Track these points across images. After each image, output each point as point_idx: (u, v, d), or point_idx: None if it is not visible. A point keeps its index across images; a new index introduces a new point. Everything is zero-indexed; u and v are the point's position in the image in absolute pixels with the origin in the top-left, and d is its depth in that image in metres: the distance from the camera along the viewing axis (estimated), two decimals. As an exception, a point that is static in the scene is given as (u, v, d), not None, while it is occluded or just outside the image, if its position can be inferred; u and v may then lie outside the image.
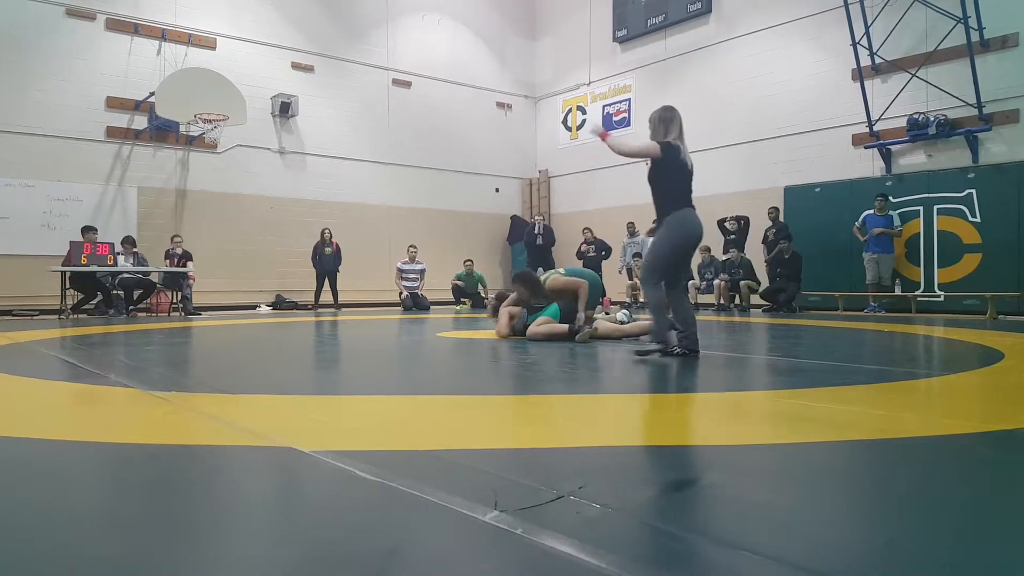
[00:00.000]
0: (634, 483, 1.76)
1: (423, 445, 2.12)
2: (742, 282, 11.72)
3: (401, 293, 12.98)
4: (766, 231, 11.74)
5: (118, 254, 10.41)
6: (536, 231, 13.88)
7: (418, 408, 2.88)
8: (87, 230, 10.40)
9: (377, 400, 3.10)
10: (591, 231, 13.80)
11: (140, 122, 12.22)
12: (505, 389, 3.53)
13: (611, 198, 15.42)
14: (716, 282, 12.05)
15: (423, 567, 1.22)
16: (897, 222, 10.70)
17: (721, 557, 1.24)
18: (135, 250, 10.81)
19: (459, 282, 13.42)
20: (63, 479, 1.84)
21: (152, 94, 11.81)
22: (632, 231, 13.63)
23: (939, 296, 10.38)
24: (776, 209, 11.69)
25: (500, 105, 17.12)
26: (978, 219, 10.08)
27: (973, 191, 10.14)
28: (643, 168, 16.20)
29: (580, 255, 13.73)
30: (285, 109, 13.54)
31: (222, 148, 12.96)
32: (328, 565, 1.23)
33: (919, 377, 3.69)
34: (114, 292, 10.63)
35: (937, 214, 10.48)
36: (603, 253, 13.63)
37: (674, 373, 4.13)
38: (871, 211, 10.82)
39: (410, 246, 13.33)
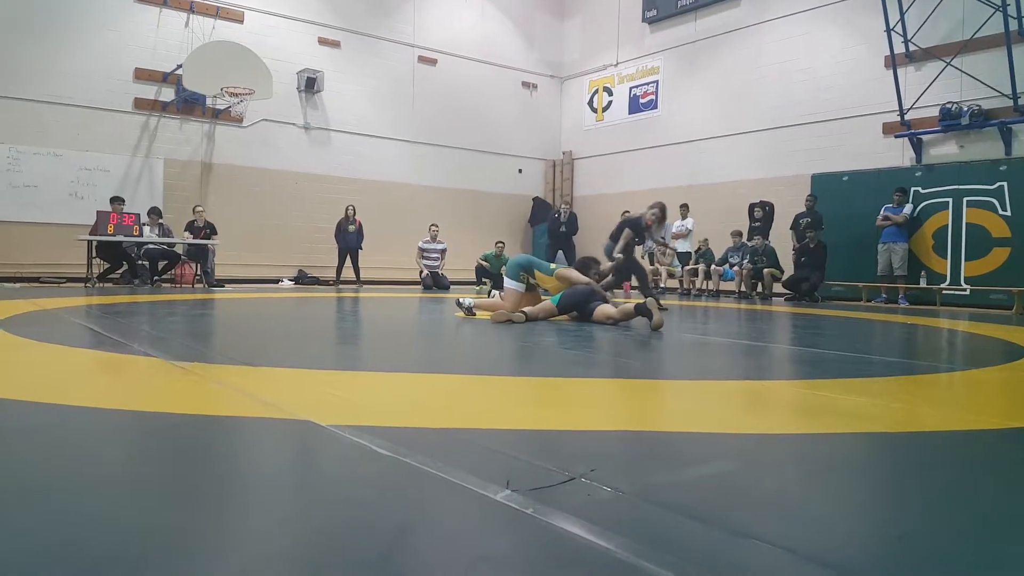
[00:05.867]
0: (646, 468, 1.77)
1: (438, 423, 2.14)
2: (765, 270, 11.62)
3: (422, 272, 13.00)
4: (797, 217, 11.56)
5: (144, 225, 10.54)
6: (561, 218, 13.78)
7: (434, 386, 2.90)
8: (115, 200, 10.54)
9: (394, 377, 3.13)
10: (630, 214, 13.57)
11: (167, 94, 12.31)
12: (520, 370, 3.55)
13: (636, 181, 15.31)
14: (736, 268, 11.95)
15: (434, 543, 1.24)
16: (905, 211, 10.57)
17: (730, 544, 1.25)
18: (160, 221, 10.94)
19: (484, 263, 13.32)
20: (87, 445, 1.89)
21: (179, 66, 11.88)
22: None
23: (965, 290, 10.23)
24: (814, 197, 11.50)
25: (526, 85, 17.02)
26: (1008, 212, 9.88)
27: (1005, 184, 9.93)
28: (670, 151, 15.84)
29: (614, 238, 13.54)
30: (311, 84, 13.57)
31: (248, 122, 13.03)
32: (340, 539, 1.25)
33: (939, 371, 3.65)
34: (139, 262, 10.77)
35: (967, 206, 10.29)
36: (637, 239, 13.45)
37: (691, 360, 4.12)
38: (890, 204, 10.71)
39: (432, 225, 13.33)
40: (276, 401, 2.40)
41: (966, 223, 10.30)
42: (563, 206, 14.37)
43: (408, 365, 3.61)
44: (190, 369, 3.01)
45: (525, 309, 5.84)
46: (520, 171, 17.03)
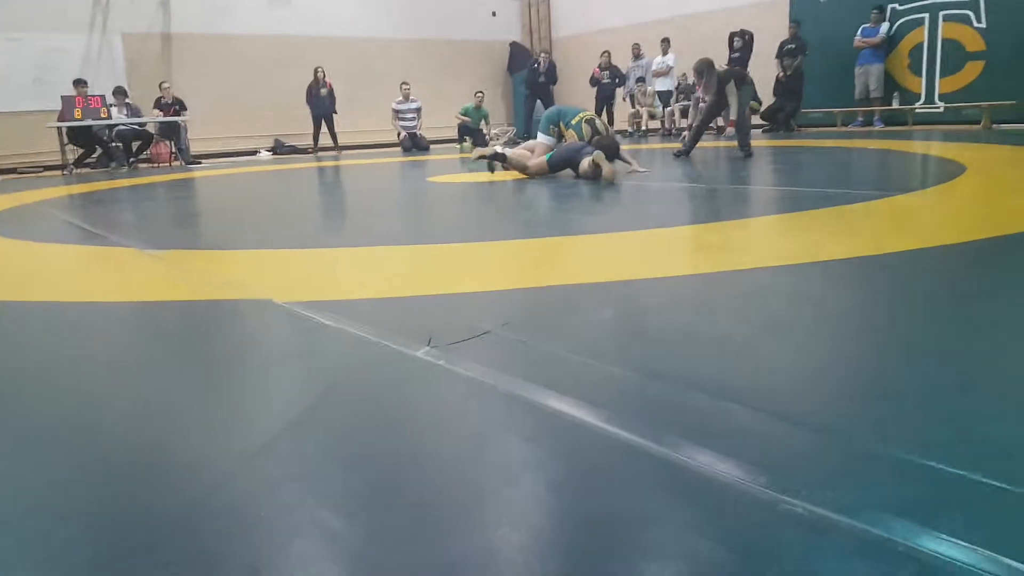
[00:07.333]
0: (557, 318, 2.04)
1: (383, 294, 2.41)
2: (743, 102, 11.49)
3: (399, 134, 12.81)
4: (782, 44, 11.27)
5: (111, 106, 10.38)
6: (540, 68, 13.40)
7: (383, 258, 3.15)
8: (78, 83, 10.32)
9: (356, 252, 3.38)
10: (609, 55, 13.17)
11: (112, -39, 11.68)
12: (474, 236, 3.79)
13: (615, 17, 14.67)
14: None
15: (356, 397, 1.53)
16: (882, 31, 10.38)
17: (627, 377, 1.53)
18: (127, 101, 10.75)
19: (465, 117, 12.95)
20: (63, 337, 2.16)
21: (120, -69, 11.20)
22: (637, 53, 13.12)
23: (939, 107, 10.22)
24: (797, 23, 11.16)
25: (493, -87, 15.94)
26: (984, 24, 9.67)
27: (981, -7, 9.67)
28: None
29: (594, 82, 13.22)
30: (261, -63, 12.80)
31: (201, -15, 12.45)
32: (273, 399, 1.54)
33: (869, 199, 3.83)
34: (112, 145, 10.72)
35: (942, 20, 10.05)
36: (616, 80, 13.17)
37: (638, 210, 4.34)
38: (867, 24, 10.46)
39: (403, 83, 12.98)
40: (241, 282, 2.65)
41: (941, 39, 10.10)
42: (542, 54, 13.95)
43: (366, 239, 3.83)
44: (163, 257, 3.24)
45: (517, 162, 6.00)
46: (494, 14, 16.33)
